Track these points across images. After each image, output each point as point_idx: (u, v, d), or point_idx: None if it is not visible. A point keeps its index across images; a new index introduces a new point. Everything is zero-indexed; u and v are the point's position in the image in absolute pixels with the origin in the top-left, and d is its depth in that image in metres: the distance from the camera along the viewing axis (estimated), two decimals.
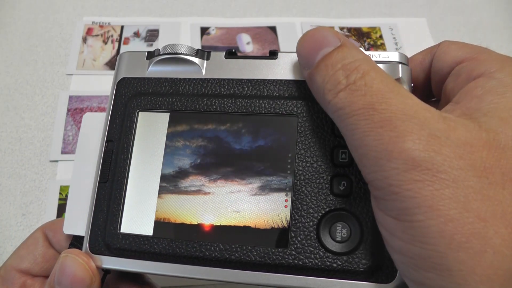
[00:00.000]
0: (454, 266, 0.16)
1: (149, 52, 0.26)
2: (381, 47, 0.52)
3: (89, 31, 0.53)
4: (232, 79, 0.24)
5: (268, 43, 0.52)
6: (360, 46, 0.52)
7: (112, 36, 0.52)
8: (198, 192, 0.23)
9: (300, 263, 0.21)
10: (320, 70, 0.20)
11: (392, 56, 0.23)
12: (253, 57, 0.25)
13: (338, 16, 0.55)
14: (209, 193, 0.23)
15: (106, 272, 0.25)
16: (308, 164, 0.22)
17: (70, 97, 0.47)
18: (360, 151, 0.18)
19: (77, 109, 0.47)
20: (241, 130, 0.23)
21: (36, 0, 0.55)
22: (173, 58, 0.25)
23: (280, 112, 0.23)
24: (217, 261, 0.22)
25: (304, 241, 0.21)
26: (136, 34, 0.53)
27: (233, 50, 0.25)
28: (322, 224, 0.22)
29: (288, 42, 0.52)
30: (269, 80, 0.24)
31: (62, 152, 0.44)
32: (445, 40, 0.24)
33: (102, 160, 0.25)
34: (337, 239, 0.21)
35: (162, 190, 0.24)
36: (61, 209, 0.41)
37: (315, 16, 0.55)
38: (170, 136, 0.24)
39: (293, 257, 0.21)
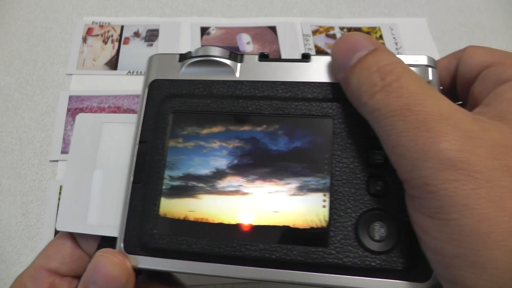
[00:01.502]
0: (490, 264, 0.17)
1: (181, 55, 0.26)
2: None
3: (89, 31, 0.53)
4: (266, 81, 0.25)
5: (268, 43, 0.52)
6: None
7: (112, 36, 0.52)
8: (236, 192, 0.23)
9: (340, 262, 0.22)
10: (355, 72, 0.21)
11: (421, 59, 0.23)
12: (286, 59, 0.25)
13: (338, 16, 0.55)
14: (247, 193, 0.23)
15: (137, 272, 0.25)
16: (344, 165, 0.23)
17: (70, 97, 0.47)
18: (396, 151, 0.19)
19: (77, 109, 0.47)
20: (278, 132, 0.24)
21: (36, 0, 0.55)
22: (207, 60, 0.25)
23: (315, 114, 0.24)
24: (257, 260, 0.22)
25: (343, 241, 0.22)
26: (136, 34, 0.53)
27: (266, 53, 0.25)
28: (360, 223, 0.22)
29: (288, 42, 0.52)
30: (302, 82, 0.24)
31: (62, 152, 0.44)
32: (470, 45, 0.25)
33: (136, 161, 0.25)
34: (376, 238, 0.22)
35: (198, 191, 0.24)
36: None
37: (315, 16, 0.55)
38: (206, 137, 0.24)
39: (333, 256, 0.22)
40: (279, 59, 0.25)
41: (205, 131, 0.24)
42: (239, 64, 0.25)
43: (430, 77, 0.23)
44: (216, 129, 0.24)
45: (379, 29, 0.54)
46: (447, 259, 0.18)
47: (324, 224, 0.22)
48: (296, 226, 0.22)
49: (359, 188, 0.22)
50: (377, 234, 0.22)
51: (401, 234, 0.21)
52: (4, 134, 0.45)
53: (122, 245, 0.24)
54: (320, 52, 0.51)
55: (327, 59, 0.24)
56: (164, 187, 0.24)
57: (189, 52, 0.26)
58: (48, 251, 0.28)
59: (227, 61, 0.25)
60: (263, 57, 0.25)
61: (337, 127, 0.23)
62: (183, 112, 0.25)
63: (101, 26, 0.53)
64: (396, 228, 0.22)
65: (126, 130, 0.27)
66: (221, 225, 0.23)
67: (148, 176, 0.24)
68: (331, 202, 0.22)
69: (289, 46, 0.52)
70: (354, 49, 0.21)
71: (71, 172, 0.27)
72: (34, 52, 0.51)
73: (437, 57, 0.22)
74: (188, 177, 0.24)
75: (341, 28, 0.54)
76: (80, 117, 0.28)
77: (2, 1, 0.55)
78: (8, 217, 0.40)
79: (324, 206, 0.22)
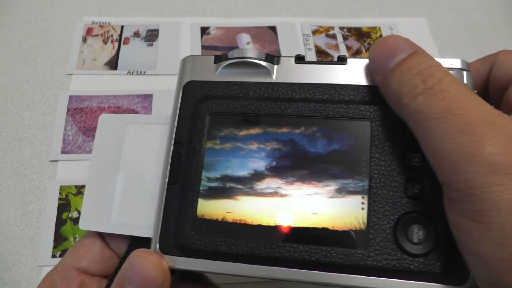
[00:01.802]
0: None
1: (216, 56, 0.26)
2: None
3: (89, 31, 0.53)
4: (303, 84, 0.25)
5: (268, 43, 0.52)
6: (360, 46, 0.52)
7: (112, 36, 0.52)
8: (274, 194, 0.23)
9: (379, 264, 0.22)
10: (396, 75, 0.21)
11: (455, 63, 0.23)
12: (322, 62, 0.25)
13: (338, 16, 0.55)
14: (285, 195, 0.23)
15: (171, 273, 0.25)
16: (383, 168, 0.23)
17: (70, 97, 0.47)
18: (438, 153, 0.19)
19: (77, 109, 0.47)
20: (316, 134, 0.24)
21: (36, 0, 0.55)
22: (243, 62, 0.26)
23: (353, 116, 0.24)
24: (297, 262, 0.22)
25: (382, 243, 0.22)
26: (136, 34, 0.53)
27: (302, 55, 0.26)
28: (399, 226, 0.22)
29: (288, 42, 0.52)
30: (339, 85, 0.24)
31: (62, 152, 0.44)
32: (503, 49, 0.25)
33: (171, 162, 0.25)
34: (414, 241, 0.22)
35: (236, 192, 0.24)
36: (61, 209, 0.41)
37: (315, 16, 0.55)
38: (243, 139, 0.24)
39: (372, 258, 0.22)
40: (315, 61, 0.25)
41: (243, 132, 0.25)
42: (275, 66, 0.26)
43: (465, 81, 0.23)
44: (253, 131, 0.25)
45: (379, 29, 0.54)
46: (490, 262, 0.18)
47: (362, 226, 0.22)
48: (335, 228, 0.22)
49: (397, 190, 0.22)
50: (415, 236, 0.22)
51: (438, 237, 0.21)
52: (4, 134, 0.45)
53: (157, 245, 0.24)
54: (320, 52, 0.51)
55: (363, 61, 0.24)
56: (201, 188, 0.24)
57: (225, 54, 0.26)
58: (77, 250, 0.28)
59: (264, 63, 0.25)
60: (299, 59, 0.26)
61: (375, 129, 0.23)
62: (220, 113, 0.25)
63: (101, 26, 0.53)
64: (434, 231, 0.22)
65: (150, 131, 0.28)
66: (260, 227, 0.23)
67: (185, 177, 0.24)
68: (369, 204, 0.22)
69: (289, 46, 0.52)
70: (394, 51, 0.22)
71: (94, 172, 0.27)
72: (34, 52, 0.51)
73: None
74: (225, 178, 0.24)
75: (341, 28, 0.54)
76: (103, 117, 0.28)
77: (2, 1, 0.55)
78: (8, 217, 0.40)
79: (362, 209, 0.22)
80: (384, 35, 0.53)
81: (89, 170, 0.27)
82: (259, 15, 0.55)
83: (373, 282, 0.22)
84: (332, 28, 0.54)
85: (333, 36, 0.53)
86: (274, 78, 0.25)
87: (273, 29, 0.53)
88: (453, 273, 0.21)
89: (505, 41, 0.54)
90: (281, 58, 0.26)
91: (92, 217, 0.27)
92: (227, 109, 0.25)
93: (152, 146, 0.27)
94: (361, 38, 0.53)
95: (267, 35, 0.53)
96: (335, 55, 0.51)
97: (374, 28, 0.54)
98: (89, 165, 0.27)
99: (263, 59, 0.26)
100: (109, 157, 0.27)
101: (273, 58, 0.26)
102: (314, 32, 0.53)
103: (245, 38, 0.53)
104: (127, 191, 0.27)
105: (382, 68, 0.22)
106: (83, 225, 0.27)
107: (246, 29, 0.53)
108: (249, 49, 0.26)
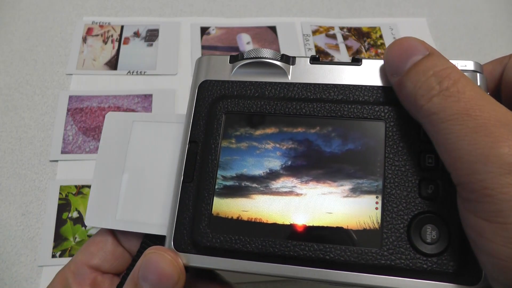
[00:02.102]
0: None
1: (232, 56, 0.27)
2: (381, 47, 0.52)
3: (89, 31, 0.53)
4: (318, 84, 0.25)
5: (268, 43, 0.52)
6: (360, 46, 0.52)
7: (112, 36, 0.52)
8: (290, 193, 0.24)
9: (393, 263, 0.22)
10: (411, 76, 0.21)
11: (468, 64, 0.24)
12: (337, 62, 0.26)
13: (338, 16, 0.55)
14: (301, 194, 0.23)
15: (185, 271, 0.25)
16: (397, 168, 0.23)
17: (70, 97, 0.47)
18: (454, 154, 0.19)
19: (77, 109, 0.47)
20: (331, 134, 0.24)
21: (36, 0, 0.55)
22: (259, 62, 0.26)
23: (368, 117, 0.24)
24: (311, 260, 0.23)
25: (396, 242, 0.22)
26: (136, 34, 0.53)
27: (317, 56, 0.26)
28: (413, 226, 0.22)
29: (288, 42, 0.52)
30: (354, 85, 0.25)
31: (62, 152, 0.44)
32: None
33: (186, 160, 0.25)
34: (428, 241, 0.22)
35: (252, 191, 0.24)
36: (61, 209, 0.41)
37: (315, 16, 0.55)
38: (259, 138, 0.25)
39: (385, 258, 0.22)
40: (330, 62, 0.26)
41: (258, 132, 0.25)
42: (291, 67, 0.26)
43: (478, 83, 0.23)
44: (269, 131, 0.25)
45: (379, 29, 0.54)
46: (504, 262, 0.18)
47: (376, 226, 0.22)
48: (349, 228, 0.23)
49: (411, 191, 0.23)
50: (428, 236, 0.22)
51: (452, 237, 0.22)
52: (4, 134, 0.45)
53: (172, 243, 0.24)
54: (320, 52, 0.51)
55: (378, 62, 0.25)
56: (217, 186, 0.24)
57: (241, 54, 0.26)
58: (90, 248, 0.28)
59: (280, 63, 0.26)
60: (315, 59, 0.26)
61: (389, 130, 0.23)
62: (236, 113, 0.25)
63: (101, 26, 0.53)
64: (447, 231, 0.22)
65: (157, 129, 0.28)
66: (275, 225, 0.23)
67: (200, 175, 0.25)
68: (383, 204, 0.23)
69: (289, 46, 0.52)
70: (409, 53, 0.22)
71: (100, 170, 0.28)
72: (34, 52, 0.51)
73: None
74: (241, 177, 0.24)
75: (341, 28, 0.54)
76: (109, 115, 0.29)
77: (2, 1, 0.55)
78: (8, 217, 0.40)
79: (376, 208, 0.23)
80: (384, 35, 0.53)
81: (95, 167, 0.28)
82: (259, 15, 0.55)
83: (387, 281, 0.22)
84: (332, 28, 0.54)
85: (333, 36, 0.53)
86: (290, 78, 0.26)
87: (273, 29, 0.53)
88: (466, 273, 0.21)
89: (505, 41, 0.54)
90: (297, 59, 0.26)
91: (98, 214, 0.27)
92: (243, 109, 0.25)
93: (159, 144, 0.27)
94: (361, 38, 0.53)
95: (267, 35, 0.53)
96: (335, 55, 0.51)
97: (374, 28, 0.54)
98: (95, 162, 0.28)
99: (279, 59, 0.26)
100: (115, 155, 0.28)
101: (289, 58, 0.26)
102: (314, 32, 0.53)
103: (245, 38, 0.53)
104: (132, 188, 0.27)
105: (397, 70, 0.22)
106: (89, 221, 0.27)
107: (246, 29, 0.53)
108: (265, 49, 0.26)
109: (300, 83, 0.25)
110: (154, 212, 0.26)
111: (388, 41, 0.53)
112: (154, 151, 0.27)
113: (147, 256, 0.23)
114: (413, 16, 0.55)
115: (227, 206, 0.24)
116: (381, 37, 0.53)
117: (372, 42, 0.53)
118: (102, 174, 0.28)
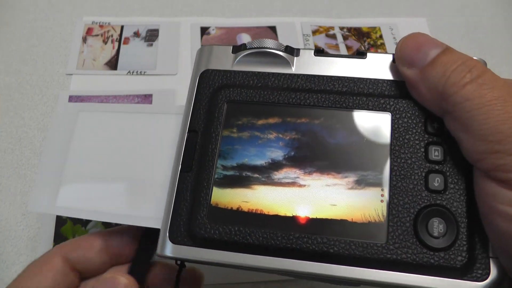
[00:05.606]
0: None
1: (234, 46, 0.26)
2: (381, 47, 0.52)
3: (89, 31, 0.53)
4: (323, 76, 0.25)
5: None
6: (360, 46, 0.52)
7: (112, 36, 0.52)
8: (293, 184, 0.23)
9: (399, 258, 0.21)
10: (437, 66, 0.22)
11: None
12: (342, 55, 0.25)
13: (338, 16, 0.55)
14: (304, 185, 0.23)
15: (181, 265, 0.25)
16: (403, 160, 0.23)
17: (70, 97, 0.47)
18: (492, 138, 0.19)
19: None
20: (336, 125, 0.24)
21: (36, 0, 0.55)
22: (262, 52, 0.25)
23: (374, 109, 0.24)
24: (314, 254, 0.22)
25: (402, 236, 0.22)
26: (136, 34, 0.52)
27: (322, 48, 0.26)
28: (419, 219, 0.22)
29: (288, 42, 0.52)
30: (359, 78, 0.25)
31: None
32: None
33: (184, 150, 0.25)
34: (434, 234, 0.21)
35: (253, 181, 0.23)
36: None
37: (315, 16, 0.55)
38: (261, 128, 0.24)
39: (391, 252, 0.21)
40: (335, 54, 0.26)
41: (261, 121, 0.24)
42: (295, 58, 0.26)
43: None
44: (272, 120, 0.24)
45: (379, 29, 0.54)
46: None
47: (382, 219, 0.22)
48: (354, 220, 0.22)
49: (417, 183, 0.22)
50: (435, 230, 0.21)
51: (459, 231, 0.21)
52: (4, 134, 0.45)
53: (167, 234, 0.23)
54: None
55: (383, 56, 0.25)
56: (216, 176, 0.24)
57: (244, 44, 0.26)
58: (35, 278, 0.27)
59: (284, 54, 0.25)
60: (319, 52, 0.26)
61: (395, 122, 0.23)
62: (238, 102, 0.25)
63: (101, 26, 0.53)
64: (455, 224, 0.21)
65: (104, 119, 0.28)
66: (277, 217, 0.23)
67: (199, 165, 0.24)
68: (389, 197, 0.22)
69: None
70: (429, 46, 0.22)
71: (45, 157, 0.28)
72: (34, 52, 0.51)
73: None
74: (242, 167, 0.24)
75: (341, 28, 0.54)
76: (60, 106, 0.29)
77: (2, 1, 0.55)
78: (8, 217, 0.40)
79: (382, 201, 0.22)
80: (384, 35, 0.53)
81: (41, 155, 0.28)
82: (259, 15, 0.55)
83: (392, 277, 0.21)
84: (332, 28, 0.54)
85: (333, 36, 0.53)
86: (294, 69, 0.25)
87: (273, 29, 0.53)
88: (474, 268, 0.21)
89: (505, 41, 0.54)
90: (301, 50, 0.26)
91: (41, 200, 0.27)
92: (245, 98, 0.25)
93: (105, 133, 0.27)
94: (361, 38, 0.53)
95: (267, 35, 0.53)
96: None
97: (374, 28, 0.54)
98: (42, 150, 0.28)
99: (283, 50, 0.26)
100: (61, 143, 0.28)
101: (293, 50, 0.26)
102: (314, 32, 0.53)
103: (245, 38, 0.53)
104: (77, 176, 0.27)
105: (417, 61, 0.22)
106: (32, 208, 0.27)
107: (246, 29, 0.53)
108: (269, 39, 0.26)
109: (304, 75, 0.25)
110: (103, 200, 0.26)
111: (388, 41, 0.53)
112: (101, 140, 0.27)
113: (100, 280, 0.24)
114: (413, 16, 0.55)
115: (227, 196, 0.23)
116: (381, 37, 0.53)
117: (372, 42, 0.53)
118: (46, 162, 0.28)
